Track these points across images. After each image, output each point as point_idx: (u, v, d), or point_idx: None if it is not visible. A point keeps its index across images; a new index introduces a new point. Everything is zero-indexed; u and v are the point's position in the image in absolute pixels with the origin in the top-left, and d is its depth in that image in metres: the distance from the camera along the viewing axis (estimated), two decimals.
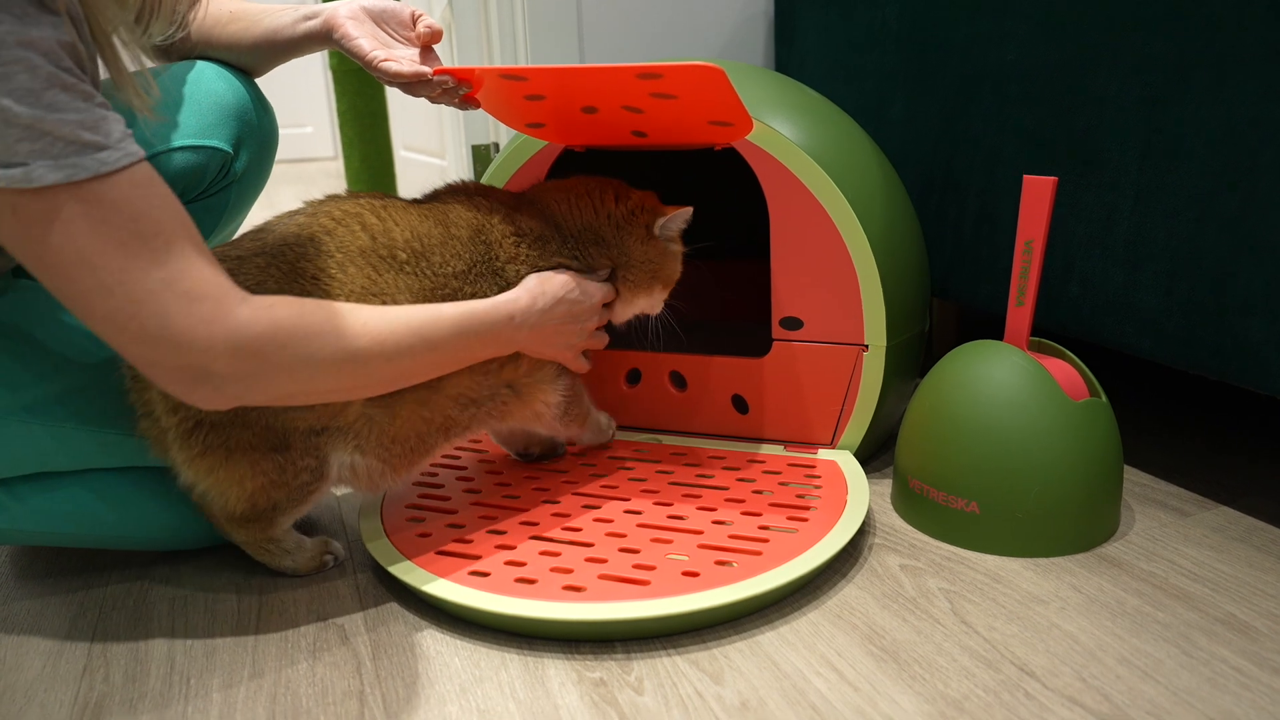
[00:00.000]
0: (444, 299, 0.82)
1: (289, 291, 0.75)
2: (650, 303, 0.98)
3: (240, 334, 0.65)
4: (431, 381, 0.82)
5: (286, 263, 0.77)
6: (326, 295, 0.77)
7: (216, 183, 0.92)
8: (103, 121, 0.60)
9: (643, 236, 0.94)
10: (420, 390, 0.81)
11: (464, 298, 0.84)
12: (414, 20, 0.89)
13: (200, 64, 0.91)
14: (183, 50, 0.94)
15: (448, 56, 1.93)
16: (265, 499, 0.79)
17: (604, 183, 0.95)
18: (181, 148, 0.88)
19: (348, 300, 0.77)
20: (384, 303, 0.78)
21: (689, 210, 0.95)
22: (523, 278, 0.88)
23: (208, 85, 0.90)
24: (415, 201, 0.89)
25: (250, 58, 0.94)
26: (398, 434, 0.82)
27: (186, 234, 0.64)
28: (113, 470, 0.84)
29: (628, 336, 1.04)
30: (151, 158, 0.79)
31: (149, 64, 0.87)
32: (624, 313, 0.97)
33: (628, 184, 0.96)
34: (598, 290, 0.91)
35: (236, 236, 0.83)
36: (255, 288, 0.72)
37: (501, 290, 0.86)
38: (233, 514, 0.80)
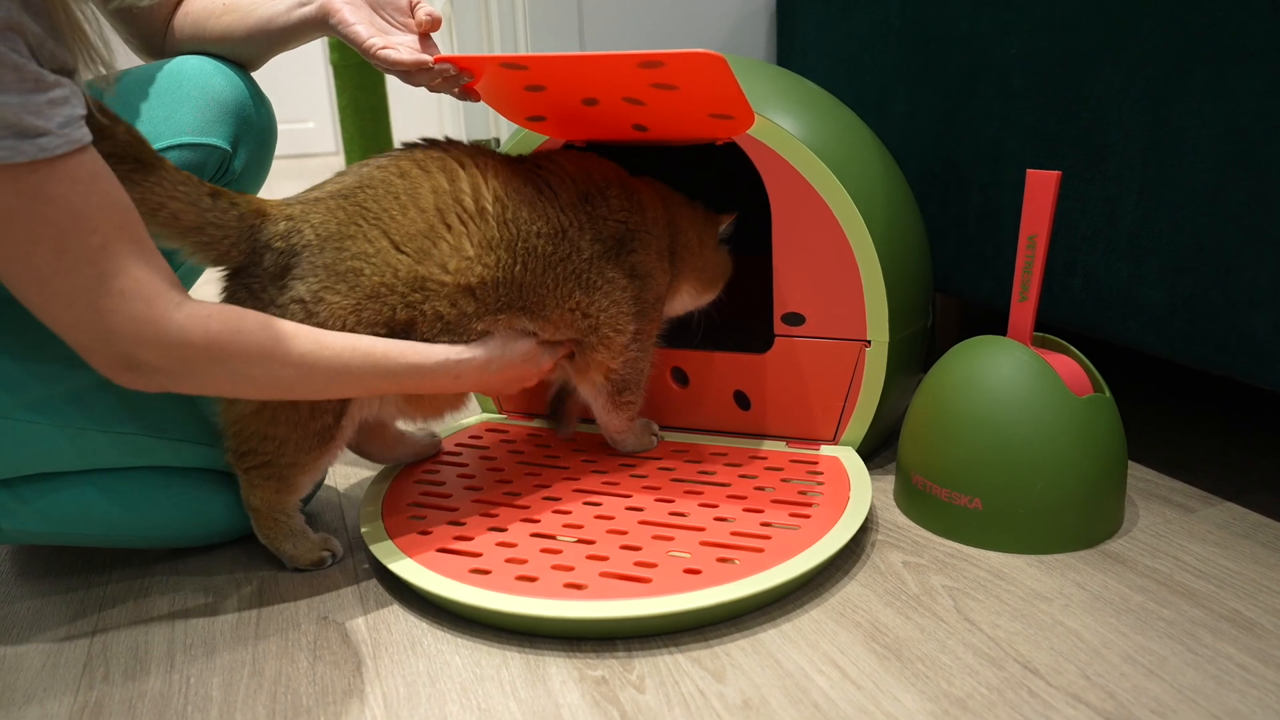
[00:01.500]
0: (522, 252, 0.87)
1: (352, 228, 0.80)
2: (707, 299, 1.07)
3: (171, 338, 0.67)
4: (503, 328, 0.87)
5: (355, 204, 0.82)
6: (384, 234, 0.81)
7: (214, 181, 0.90)
8: (48, 106, 0.58)
9: (713, 242, 1.04)
10: None
11: (545, 255, 0.88)
12: (412, 7, 0.88)
13: (195, 59, 0.90)
14: (175, 46, 0.93)
15: (448, 49, 1.92)
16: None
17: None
18: (178, 145, 0.86)
19: (402, 241, 0.81)
20: (439, 244, 0.83)
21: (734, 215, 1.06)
22: (621, 261, 0.93)
23: (204, 81, 0.88)
24: (519, 158, 0.92)
25: (245, 49, 0.92)
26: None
27: (125, 232, 0.65)
28: (119, 469, 0.84)
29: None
30: None
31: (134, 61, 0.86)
32: (681, 308, 1.05)
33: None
34: (549, 360, 0.93)
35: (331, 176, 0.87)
36: (320, 226, 0.80)
37: (590, 259, 0.91)
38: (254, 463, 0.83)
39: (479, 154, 0.89)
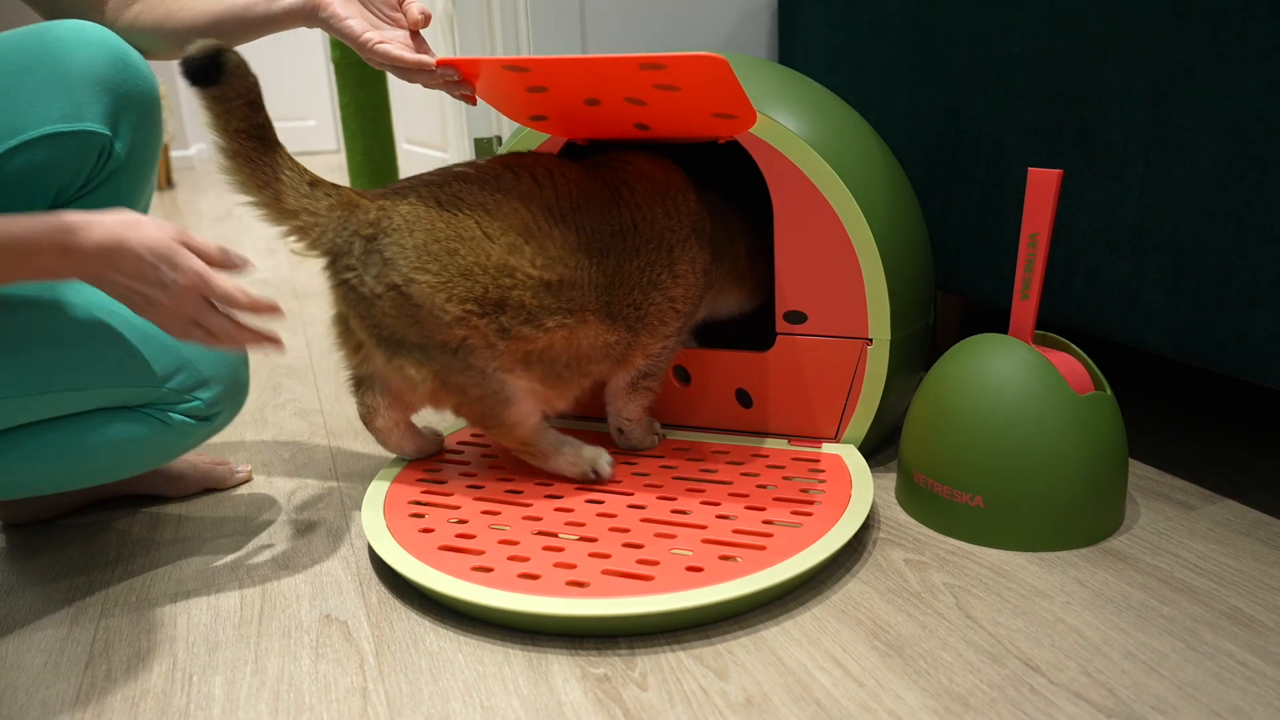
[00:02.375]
0: (597, 254, 0.90)
1: (445, 215, 0.85)
2: (749, 305, 1.12)
3: None
4: (573, 328, 0.90)
5: (449, 194, 0.87)
6: (476, 225, 0.85)
7: (97, 172, 0.81)
8: None
9: (762, 252, 1.08)
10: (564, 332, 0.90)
11: (617, 253, 0.91)
12: (401, 1, 0.87)
13: (47, 26, 0.77)
14: (113, 27, 0.85)
15: (449, 49, 1.92)
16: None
17: None
18: (41, 138, 0.75)
19: (495, 234, 0.85)
20: (530, 241, 0.87)
21: None
22: (684, 259, 0.96)
23: (64, 54, 0.75)
24: (591, 163, 0.97)
25: (207, 35, 0.85)
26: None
27: None
28: (16, 429, 0.80)
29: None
30: (1, 155, 0.74)
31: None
32: (725, 310, 1.10)
33: None
34: (196, 271, 0.72)
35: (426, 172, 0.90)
36: (409, 212, 0.84)
37: (654, 257, 0.94)
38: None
39: (563, 163, 0.94)
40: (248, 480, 1.09)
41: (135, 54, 0.83)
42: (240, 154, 0.82)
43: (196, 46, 0.77)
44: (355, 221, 0.85)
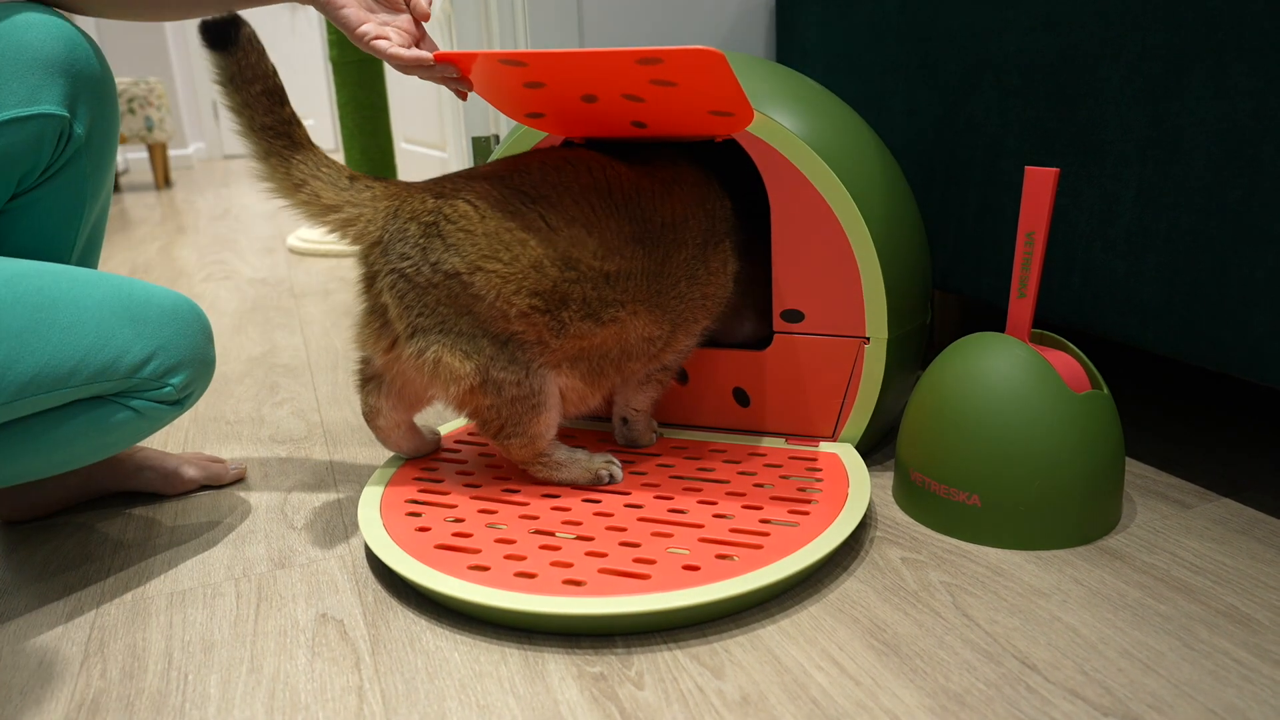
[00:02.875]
0: (650, 244, 0.92)
1: (510, 206, 0.85)
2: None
3: None
4: (624, 321, 0.91)
5: (511, 186, 0.87)
6: (540, 217, 0.86)
7: (59, 154, 0.81)
8: None
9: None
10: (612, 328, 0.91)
11: (666, 245, 0.93)
12: None
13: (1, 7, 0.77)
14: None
15: (446, 46, 1.92)
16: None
17: None
18: (2, 123, 0.75)
19: (559, 225, 0.86)
20: (592, 233, 0.88)
21: None
22: (716, 258, 0.98)
23: (16, 39, 0.75)
24: (636, 161, 0.97)
25: (177, 10, 0.84)
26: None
27: None
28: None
29: None
30: None
31: None
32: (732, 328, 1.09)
33: None
34: None
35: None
36: (478, 200, 0.85)
37: (699, 260, 0.96)
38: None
39: (613, 159, 0.94)
40: (242, 478, 1.09)
41: (85, 36, 0.83)
42: (272, 153, 0.82)
43: (217, 11, 0.80)
44: (410, 209, 0.84)
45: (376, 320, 0.88)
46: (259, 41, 0.82)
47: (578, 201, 0.88)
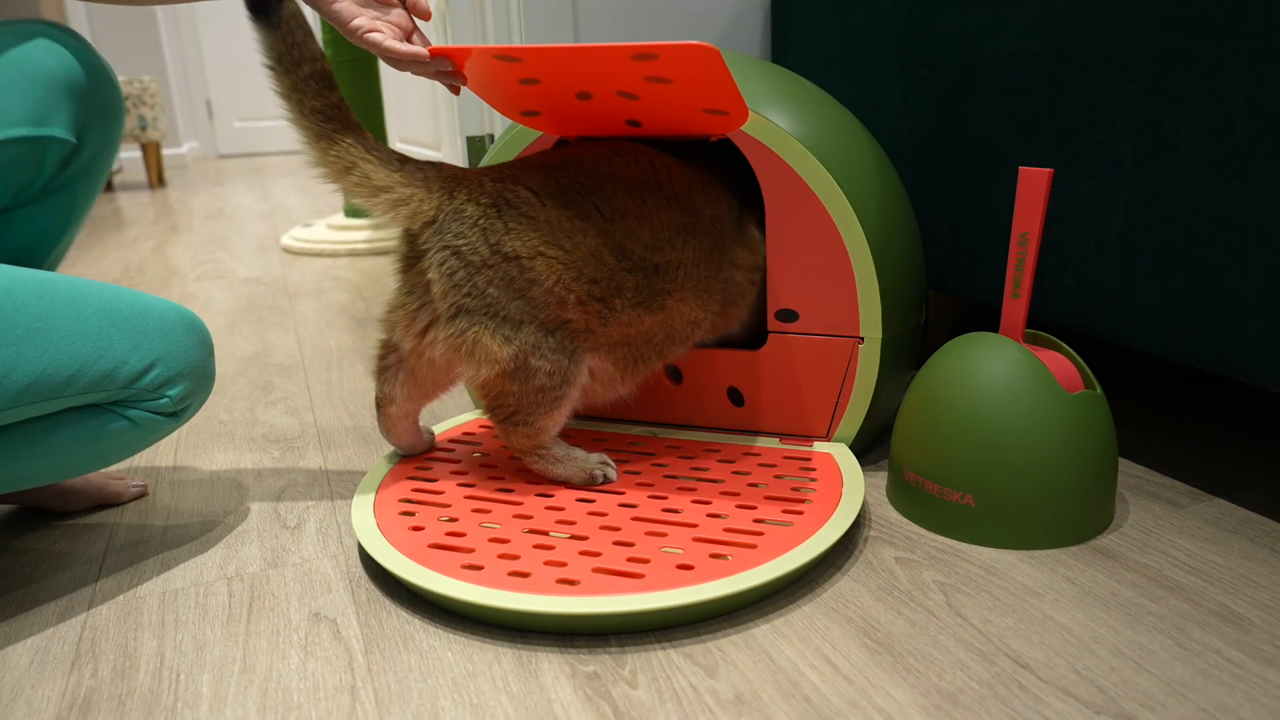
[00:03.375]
0: (698, 233, 0.94)
1: (568, 196, 0.87)
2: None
3: None
4: (671, 308, 0.93)
5: (568, 176, 0.89)
6: (595, 208, 0.87)
7: (58, 176, 0.82)
8: None
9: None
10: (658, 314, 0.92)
11: (714, 234, 0.95)
12: None
13: (19, 30, 0.78)
14: None
15: (442, 41, 1.91)
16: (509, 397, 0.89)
17: None
18: (6, 141, 0.76)
19: (613, 215, 0.88)
20: (644, 224, 0.90)
21: None
22: (749, 241, 1.01)
23: (35, 56, 0.76)
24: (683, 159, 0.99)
25: None
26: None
27: None
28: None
29: None
30: None
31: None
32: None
33: None
34: None
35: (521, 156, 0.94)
36: (540, 187, 0.87)
37: (727, 237, 0.97)
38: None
39: (661, 150, 0.97)
40: (143, 495, 1.05)
41: (104, 61, 0.84)
42: (323, 137, 0.83)
43: None
44: (468, 191, 0.85)
45: (414, 302, 0.88)
46: (305, 20, 0.81)
47: (630, 193, 0.90)
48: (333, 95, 0.83)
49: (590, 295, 0.87)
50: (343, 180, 0.84)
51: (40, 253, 0.89)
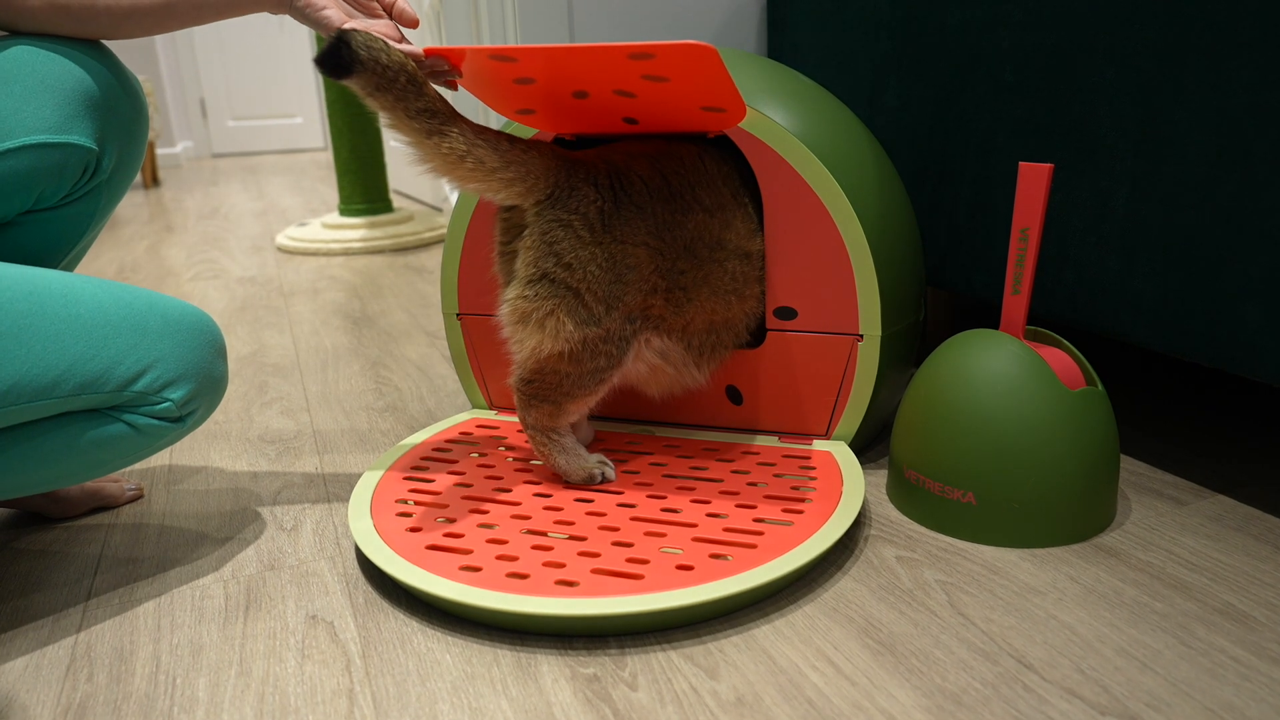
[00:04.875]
0: (761, 226, 0.97)
1: (668, 188, 0.90)
2: None
3: None
4: (729, 288, 0.95)
5: (667, 170, 0.91)
6: (695, 201, 0.91)
7: (81, 185, 0.82)
8: None
9: None
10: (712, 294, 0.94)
11: (759, 225, 0.98)
12: None
13: (42, 44, 0.79)
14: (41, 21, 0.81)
15: (435, 42, 1.91)
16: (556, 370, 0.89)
17: None
18: (28, 146, 0.76)
19: (712, 208, 0.92)
20: (736, 216, 0.95)
21: None
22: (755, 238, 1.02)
23: (62, 67, 0.78)
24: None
25: (152, 21, 0.82)
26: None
27: None
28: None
29: None
30: None
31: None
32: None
33: None
34: None
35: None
36: (649, 179, 0.89)
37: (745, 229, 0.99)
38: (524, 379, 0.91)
39: (721, 149, 0.99)
40: (139, 497, 1.04)
41: (129, 73, 0.85)
42: (434, 132, 0.81)
43: (325, 42, 0.78)
44: (584, 171, 0.87)
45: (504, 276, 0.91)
46: (379, 40, 0.78)
47: (720, 191, 0.94)
48: (428, 89, 0.82)
49: (675, 284, 0.90)
50: (457, 169, 0.83)
51: (51, 258, 0.88)
